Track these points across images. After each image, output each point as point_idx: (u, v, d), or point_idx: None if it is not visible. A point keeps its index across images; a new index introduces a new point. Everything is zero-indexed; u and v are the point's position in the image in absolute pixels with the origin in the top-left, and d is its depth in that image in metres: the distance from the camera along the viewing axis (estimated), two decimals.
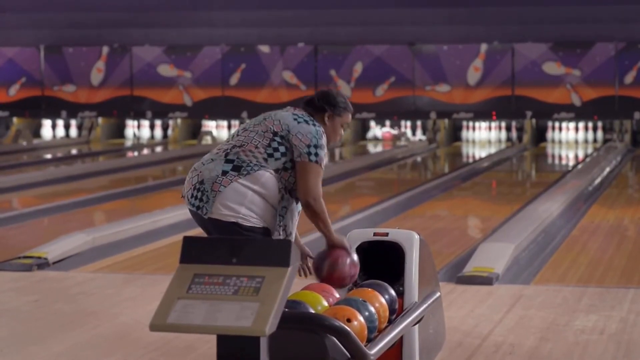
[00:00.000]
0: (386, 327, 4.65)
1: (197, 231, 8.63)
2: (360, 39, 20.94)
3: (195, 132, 22.13)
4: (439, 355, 5.52)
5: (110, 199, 12.94)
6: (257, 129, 4.75)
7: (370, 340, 4.41)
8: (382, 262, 5.21)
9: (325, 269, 4.77)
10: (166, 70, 21.54)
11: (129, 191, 13.77)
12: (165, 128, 22.33)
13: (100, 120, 22.21)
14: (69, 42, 22.04)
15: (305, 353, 4.16)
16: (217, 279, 3.79)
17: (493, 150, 19.89)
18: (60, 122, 22.63)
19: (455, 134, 21.36)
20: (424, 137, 21.42)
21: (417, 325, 5.01)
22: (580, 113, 20.13)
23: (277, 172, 4.70)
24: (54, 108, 22.11)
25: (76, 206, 12.16)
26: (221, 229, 4.65)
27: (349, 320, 4.29)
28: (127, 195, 13.43)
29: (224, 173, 4.67)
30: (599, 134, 20.75)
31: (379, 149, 20.48)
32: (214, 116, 21.55)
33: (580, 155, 18.98)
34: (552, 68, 20.07)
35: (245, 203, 4.64)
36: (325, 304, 4.51)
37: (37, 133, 22.71)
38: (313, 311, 4.38)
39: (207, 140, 21.60)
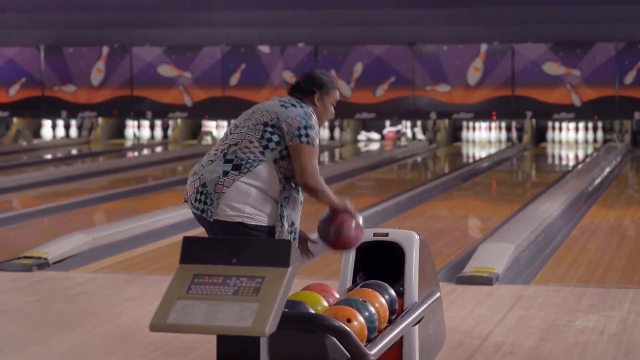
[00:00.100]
0: (386, 327, 4.65)
1: (198, 231, 8.64)
2: (360, 39, 20.94)
3: (196, 132, 22.13)
4: (439, 356, 5.52)
5: (111, 199, 12.94)
6: (248, 124, 4.76)
7: (370, 341, 4.41)
8: (382, 262, 5.22)
9: (332, 234, 4.79)
10: (166, 70, 21.54)
11: (129, 191, 13.77)
12: (165, 128, 22.32)
13: (100, 120, 22.21)
14: (69, 42, 22.04)
15: (305, 353, 4.16)
16: (217, 279, 3.79)
17: (493, 150, 19.89)
18: (60, 123, 22.62)
19: (455, 134, 21.35)
20: (423, 137, 21.41)
21: (417, 326, 5.01)
22: (580, 113, 20.13)
23: (276, 162, 4.71)
24: (54, 108, 22.11)
25: (76, 206, 12.16)
26: (227, 229, 4.65)
27: (349, 321, 4.29)
28: (127, 195, 13.43)
29: (225, 173, 4.67)
30: (599, 134, 20.74)
31: (374, 149, 20.47)
32: (214, 116, 21.55)
33: (581, 155, 18.98)
34: (552, 68, 20.06)
35: (249, 202, 4.65)
36: (325, 304, 4.51)
37: (37, 133, 22.71)
38: (313, 311, 4.38)
39: (207, 140, 21.60)
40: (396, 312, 4.85)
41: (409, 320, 4.80)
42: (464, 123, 21.12)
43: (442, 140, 20.84)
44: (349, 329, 4.15)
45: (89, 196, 13.06)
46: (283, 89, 20.75)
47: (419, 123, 21.49)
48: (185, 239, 3.96)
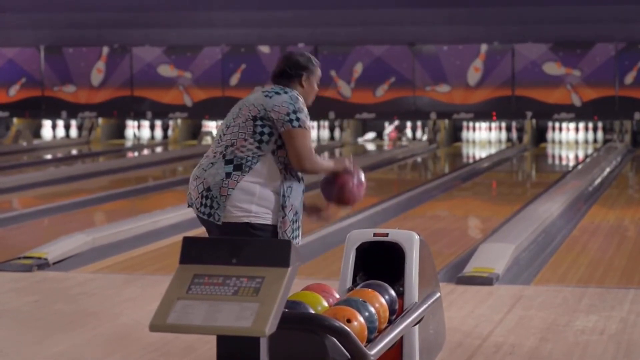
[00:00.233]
0: (386, 327, 4.65)
1: (198, 232, 8.65)
2: (360, 40, 20.93)
3: (196, 132, 22.13)
4: (439, 356, 5.52)
5: (111, 199, 12.93)
6: (238, 122, 4.77)
7: (370, 341, 4.41)
8: (382, 263, 5.22)
9: (335, 196, 4.98)
10: (166, 70, 21.54)
11: (129, 191, 13.77)
12: (165, 128, 22.32)
13: (100, 120, 22.21)
14: (69, 42, 22.03)
15: (305, 353, 4.16)
16: (217, 280, 3.79)
17: (493, 150, 19.88)
18: (60, 123, 22.62)
19: (455, 135, 21.35)
20: (424, 138, 21.40)
21: (417, 326, 5.01)
22: (580, 113, 20.12)
23: (274, 153, 4.74)
24: (54, 108, 22.10)
25: (76, 206, 12.16)
26: (235, 231, 4.67)
27: (349, 321, 4.28)
28: (127, 195, 13.42)
29: (228, 175, 4.69)
30: (599, 134, 20.74)
31: (374, 150, 20.47)
32: (214, 116, 21.54)
33: (581, 155, 18.98)
34: (552, 68, 20.06)
35: (254, 200, 4.67)
36: (325, 304, 4.51)
37: (37, 133, 22.70)
38: (313, 312, 4.38)
39: (208, 140, 21.59)
40: (396, 312, 4.85)
41: (409, 320, 4.80)
42: (464, 123, 21.11)
43: (442, 141, 20.84)
44: (349, 329, 4.15)
45: (89, 196, 13.06)
46: None
47: (419, 123, 21.48)
48: (185, 239, 3.96)
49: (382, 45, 20.72)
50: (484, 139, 21.02)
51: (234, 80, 21.10)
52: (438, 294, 5.33)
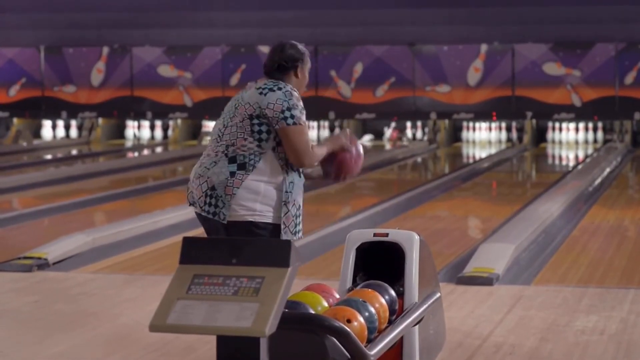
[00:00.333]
0: (386, 327, 4.65)
1: (198, 232, 8.64)
2: (360, 40, 20.93)
3: (196, 132, 22.13)
4: (439, 356, 5.51)
5: (111, 199, 12.93)
6: (236, 122, 4.77)
7: (370, 341, 4.41)
8: (382, 263, 5.21)
9: (334, 173, 5.00)
10: (166, 70, 21.54)
11: (129, 192, 13.77)
12: (165, 129, 22.32)
13: (100, 120, 22.21)
14: (69, 42, 22.03)
15: (305, 354, 4.16)
16: (216, 280, 3.78)
17: (493, 150, 19.88)
18: (60, 123, 22.62)
19: (455, 135, 21.35)
20: (424, 138, 21.40)
21: (417, 326, 5.00)
22: (580, 113, 20.12)
23: (275, 150, 4.76)
24: (54, 108, 22.11)
25: (76, 207, 12.16)
26: (238, 230, 4.68)
27: (349, 321, 4.28)
28: (128, 195, 13.42)
29: (232, 174, 4.70)
30: (599, 134, 20.74)
31: (382, 149, 20.48)
32: (214, 117, 21.51)
33: (581, 155, 18.98)
34: (552, 68, 20.06)
35: (259, 199, 4.69)
36: (325, 304, 4.51)
37: (37, 133, 22.70)
38: (313, 312, 4.37)
39: (207, 140, 21.56)
40: (396, 312, 4.85)
41: (409, 320, 4.79)
42: (464, 123, 21.11)
43: (442, 141, 20.84)
44: (349, 330, 4.15)
45: (89, 196, 13.06)
46: None
47: (419, 123, 21.47)
48: (185, 239, 3.96)
49: (382, 46, 20.72)
50: (484, 139, 21.02)
51: (234, 80, 21.10)
52: (438, 294, 5.33)
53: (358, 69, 20.79)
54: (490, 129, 21.03)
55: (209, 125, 21.92)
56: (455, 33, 20.72)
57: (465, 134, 21.23)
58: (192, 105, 21.45)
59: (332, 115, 20.90)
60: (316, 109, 20.19)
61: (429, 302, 5.10)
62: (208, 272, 3.82)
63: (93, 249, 9.08)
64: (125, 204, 12.69)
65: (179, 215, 10.37)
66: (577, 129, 20.72)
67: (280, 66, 4.88)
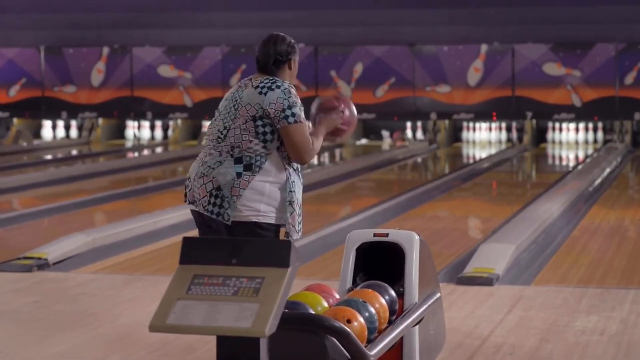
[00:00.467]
0: (386, 327, 4.65)
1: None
2: (361, 40, 20.93)
3: (196, 133, 22.13)
4: (439, 356, 5.51)
5: (111, 199, 12.93)
6: (238, 124, 4.75)
7: (370, 341, 4.41)
8: (382, 263, 5.21)
9: (329, 135, 5.02)
10: (166, 71, 21.54)
11: (129, 192, 13.77)
12: (165, 129, 22.32)
13: (100, 121, 22.21)
14: (69, 43, 22.03)
15: (305, 354, 4.16)
16: (216, 280, 3.78)
17: (493, 151, 19.88)
18: (60, 123, 22.62)
19: (455, 135, 21.35)
20: (423, 138, 21.40)
21: (417, 326, 5.00)
22: (580, 114, 20.12)
23: (279, 150, 4.77)
24: (54, 109, 22.11)
25: (76, 207, 12.16)
26: (242, 230, 4.68)
27: (349, 321, 4.28)
28: (128, 196, 13.43)
29: (239, 175, 4.69)
30: (599, 134, 20.73)
31: (383, 149, 20.47)
32: None
33: (581, 156, 18.98)
34: (553, 69, 20.06)
35: (263, 200, 4.70)
36: (325, 304, 4.51)
37: (37, 134, 22.70)
38: (313, 312, 4.37)
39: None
40: (396, 312, 4.85)
41: (409, 320, 4.79)
42: (464, 123, 21.11)
43: (443, 141, 20.84)
44: (349, 330, 4.15)
45: (89, 197, 13.06)
46: None
47: (419, 124, 21.47)
48: (185, 239, 3.96)
49: (382, 46, 20.72)
50: (484, 139, 21.02)
51: (234, 80, 21.09)
52: (438, 295, 5.33)
53: (358, 69, 20.79)
54: (490, 129, 21.03)
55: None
56: (455, 33, 20.72)
57: (465, 134, 21.22)
58: (192, 106, 21.45)
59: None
60: None
61: (429, 303, 5.10)
62: (208, 272, 3.82)
63: (93, 249, 9.08)
64: (126, 204, 12.69)
65: (179, 216, 10.37)
66: (577, 129, 20.71)
67: (275, 60, 4.87)
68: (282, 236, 4.84)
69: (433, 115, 20.62)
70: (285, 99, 4.75)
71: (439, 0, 20.98)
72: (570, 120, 20.31)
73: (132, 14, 21.95)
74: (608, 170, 15.90)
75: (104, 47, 21.81)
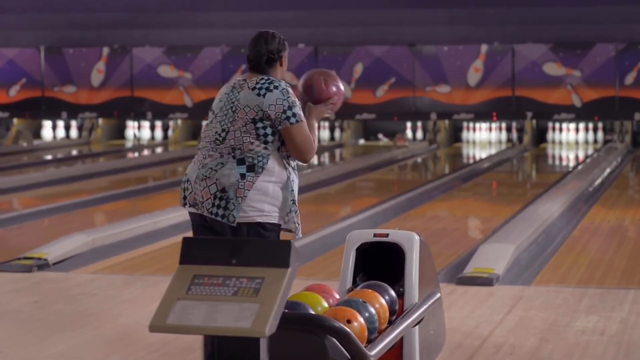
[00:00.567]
0: (386, 328, 4.65)
1: None
2: (361, 40, 20.93)
3: (196, 133, 22.12)
4: (439, 356, 5.51)
5: (111, 199, 12.94)
6: (238, 126, 4.73)
7: (370, 341, 4.41)
8: (383, 263, 5.21)
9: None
10: (166, 71, 21.54)
11: (129, 192, 13.77)
12: (165, 129, 22.32)
13: (100, 121, 22.21)
14: (69, 43, 22.03)
15: (305, 354, 4.16)
16: (216, 280, 3.78)
17: (493, 151, 19.88)
18: (60, 123, 22.62)
19: (455, 135, 21.34)
20: (421, 138, 21.40)
21: (417, 326, 5.00)
22: (580, 114, 20.12)
23: (279, 150, 4.76)
24: (54, 109, 22.11)
25: (76, 207, 12.16)
26: (246, 232, 4.67)
27: (349, 321, 4.28)
28: (128, 196, 13.42)
29: (243, 176, 4.68)
30: (600, 134, 20.73)
31: (384, 149, 20.47)
32: None
33: (581, 156, 18.98)
34: (553, 69, 20.06)
35: (267, 200, 4.70)
36: (325, 305, 4.50)
37: (37, 134, 22.70)
38: (313, 312, 4.37)
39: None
40: (396, 312, 4.85)
41: (409, 321, 4.79)
42: (464, 124, 21.11)
43: (443, 141, 20.84)
44: (349, 330, 4.15)
45: (89, 197, 13.06)
46: None
47: (419, 124, 21.47)
48: (185, 239, 3.96)
49: (382, 46, 20.72)
50: (484, 139, 21.02)
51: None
52: (438, 295, 5.33)
53: (358, 69, 20.79)
54: (490, 129, 21.03)
55: None
56: (456, 33, 20.72)
57: (465, 135, 21.22)
58: (192, 106, 21.45)
59: (332, 115, 20.89)
60: None
61: (429, 303, 5.10)
62: (208, 272, 3.82)
63: (93, 249, 9.08)
64: (126, 204, 12.69)
65: (179, 216, 10.36)
66: (577, 130, 20.71)
67: (268, 59, 4.85)
68: (283, 236, 4.85)
69: (433, 116, 20.62)
70: (285, 100, 4.74)
71: (439, 0, 20.98)
72: (570, 121, 20.31)
73: (132, 14, 21.95)
74: (608, 170, 15.90)
75: (104, 47, 21.81)
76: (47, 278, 7.94)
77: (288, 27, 20.98)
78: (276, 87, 4.76)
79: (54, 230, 10.22)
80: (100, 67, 21.83)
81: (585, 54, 19.91)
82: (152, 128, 22.29)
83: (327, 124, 21.58)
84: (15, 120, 22.57)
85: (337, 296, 4.71)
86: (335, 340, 4.12)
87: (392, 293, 4.84)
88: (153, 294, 7.17)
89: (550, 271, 8.22)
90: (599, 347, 5.87)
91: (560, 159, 19.23)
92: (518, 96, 20.19)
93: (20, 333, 6.27)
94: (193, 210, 4.78)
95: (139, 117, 21.94)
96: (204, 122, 21.80)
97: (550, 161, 19.07)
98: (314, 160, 18.30)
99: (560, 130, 20.78)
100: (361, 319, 4.35)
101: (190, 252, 3.90)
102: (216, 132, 4.79)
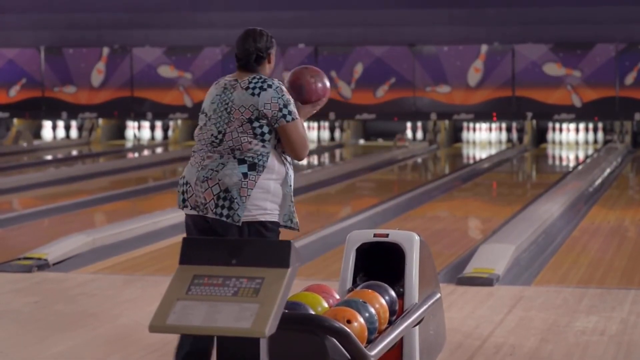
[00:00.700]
0: (386, 328, 4.65)
1: None
2: (361, 40, 20.93)
3: None
4: (439, 357, 5.51)
5: (111, 200, 12.93)
6: (234, 127, 4.72)
7: (370, 342, 4.41)
8: (383, 263, 5.21)
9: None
10: (166, 71, 21.54)
11: (129, 192, 13.76)
12: (165, 129, 22.32)
13: (100, 121, 22.21)
14: (69, 43, 22.03)
15: (305, 354, 4.16)
16: (216, 280, 3.78)
17: (493, 151, 19.88)
18: (60, 123, 22.62)
19: (455, 135, 21.34)
20: (421, 138, 21.41)
21: (417, 327, 5.00)
22: (580, 114, 20.11)
23: (276, 148, 4.77)
24: (54, 109, 22.11)
25: (76, 207, 12.16)
26: (250, 230, 4.67)
27: (349, 322, 4.28)
28: (128, 196, 13.42)
29: (245, 175, 4.68)
30: (600, 135, 20.73)
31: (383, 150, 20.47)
32: None
33: (581, 156, 18.98)
34: (553, 69, 20.06)
35: (269, 198, 4.71)
36: (326, 305, 4.50)
37: (37, 134, 22.70)
38: (313, 312, 4.37)
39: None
40: (396, 313, 4.84)
41: (409, 321, 4.79)
42: (465, 124, 21.11)
43: (443, 141, 20.83)
44: (349, 330, 4.15)
45: (89, 197, 13.06)
46: None
47: (419, 124, 21.47)
48: (185, 239, 3.96)
49: (383, 46, 20.72)
50: (484, 139, 21.02)
51: None
52: (438, 295, 5.32)
53: (358, 69, 20.79)
54: (490, 129, 21.03)
55: None
56: (456, 33, 20.72)
57: (465, 135, 21.22)
58: (192, 106, 21.44)
59: (332, 116, 20.90)
60: None
61: (429, 303, 5.10)
62: (208, 272, 3.82)
63: (93, 249, 9.08)
64: (126, 205, 12.69)
65: (179, 216, 10.31)
66: (577, 130, 20.71)
67: (257, 57, 4.84)
68: (283, 235, 4.85)
69: (433, 116, 20.62)
70: (280, 98, 4.73)
71: (439, 0, 20.98)
72: (570, 121, 20.31)
73: (132, 14, 21.95)
74: (608, 170, 15.90)
75: (104, 47, 21.81)
76: (47, 278, 7.94)
77: (288, 27, 20.99)
78: (270, 86, 4.75)
79: (54, 231, 10.22)
80: (100, 67, 21.83)
81: (585, 54, 19.91)
82: (152, 128, 22.29)
83: (327, 124, 21.58)
84: (15, 121, 22.57)
85: (337, 296, 4.71)
86: (335, 340, 4.12)
87: (392, 293, 4.84)
88: (153, 294, 7.16)
89: (551, 271, 8.22)
90: (599, 347, 5.87)
91: (561, 159, 19.22)
92: (518, 96, 20.18)
93: (20, 333, 6.27)
94: (194, 212, 4.77)
95: (139, 117, 21.94)
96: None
97: (550, 161, 19.07)
98: (314, 160, 18.30)
99: (561, 130, 20.78)
100: (361, 319, 4.35)
101: (190, 253, 3.90)
102: (212, 135, 4.77)
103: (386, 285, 4.87)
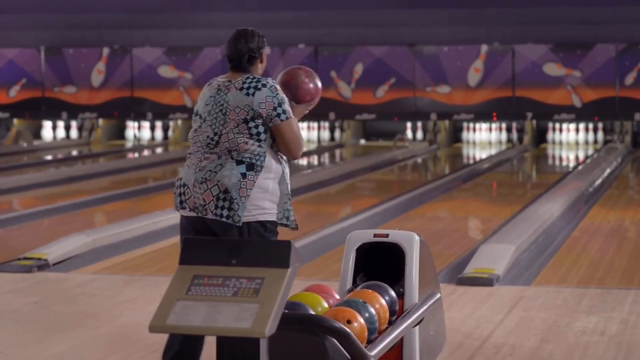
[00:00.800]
0: (386, 328, 4.65)
1: None
2: (361, 40, 20.93)
3: None
4: (439, 357, 5.51)
5: (111, 200, 12.93)
6: (230, 127, 4.72)
7: (370, 342, 4.40)
8: (383, 264, 5.21)
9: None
10: (166, 71, 21.54)
11: (129, 192, 13.76)
12: (165, 129, 22.32)
13: (100, 121, 22.21)
14: (70, 43, 22.03)
15: (305, 355, 4.16)
16: (216, 280, 3.78)
17: (493, 151, 19.88)
18: (60, 124, 22.61)
19: (455, 135, 21.34)
20: (421, 138, 21.41)
21: (417, 327, 5.00)
22: (580, 114, 20.11)
23: (272, 147, 4.78)
24: (54, 109, 22.10)
25: (76, 207, 12.16)
26: (250, 230, 4.67)
27: (349, 322, 4.28)
28: (128, 196, 13.42)
29: (244, 175, 4.68)
30: (600, 135, 20.73)
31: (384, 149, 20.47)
32: None
33: (581, 156, 18.98)
34: (553, 69, 20.06)
35: (267, 197, 4.72)
36: (326, 305, 4.50)
37: (37, 134, 22.70)
38: (313, 313, 4.37)
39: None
40: (396, 313, 4.84)
41: (409, 321, 4.79)
42: (465, 124, 21.11)
43: (443, 141, 20.83)
44: (349, 330, 4.15)
45: (89, 197, 13.05)
46: None
47: (419, 124, 21.47)
48: (185, 240, 3.95)
49: (383, 46, 20.71)
50: (484, 139, 21.02)
51: None
52: (438, 295, 5.32)
53: (358, 69, 20.79)
54: (490, 129, 21.03)
55: None
56: (456, 34, 20.72)
57: (465, 135, 21.22)
58: (193, 106, 21.43)
59: (332, 116, 20.90)
60: (316, 110, 20.13)
61: (429, 303, 5.10)
62: (208, 272, 3.82)
63: (93, 249, 9.08)
64: (126, 205, 12.69)
65: (179, 216, 10.34)
66: (577, 130, 20.71)
67: (249, 57, 4.84)
68: (283, 235, 4.85)
69: (433, 116, 20.62)
70: (274, 97, 4.74)
71: (439, 0, 20.97)
72: (570, 121, 20.31)
73: (132, 14, 21.94)
74: (608, 170, 15.90)
75: (104, 47, 21.81)
76: (47, 278, 7.94)
77: (288, 27, 21.00)
78: (264, 85, 4.75)
79: (54, 231, 10.22)
80: (100, 67, 21.83)
81: (585, 55, 19.91)
82: (152, 128, 22.29)
83: (327, 124, 21.57)
84: (15, 121, 22.57)
85: (337, 296, 4.71)
86: (335, 340, 4.12)
87: (392, 293, 4.84)
88: (153, 295, 7.16)
89: (551, 271, 8.22)
90: (599, 347, 5.87)
91: (561, 159, 19.22)
92: (518, 96, 20.18)
93: (20, 333, 6.27)
94: (193, 214, 4.77)
95: (139, 117, 21.93)
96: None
97: (550, 161, 19.07)
98: (314, 160, 18.30)
99: (561, 130, 20.78)
100: (361, 320, 4.35)
101: (190, 253, 3.90)
102: (208, 137, 4.76)
103: (386, 285, 4.87)
